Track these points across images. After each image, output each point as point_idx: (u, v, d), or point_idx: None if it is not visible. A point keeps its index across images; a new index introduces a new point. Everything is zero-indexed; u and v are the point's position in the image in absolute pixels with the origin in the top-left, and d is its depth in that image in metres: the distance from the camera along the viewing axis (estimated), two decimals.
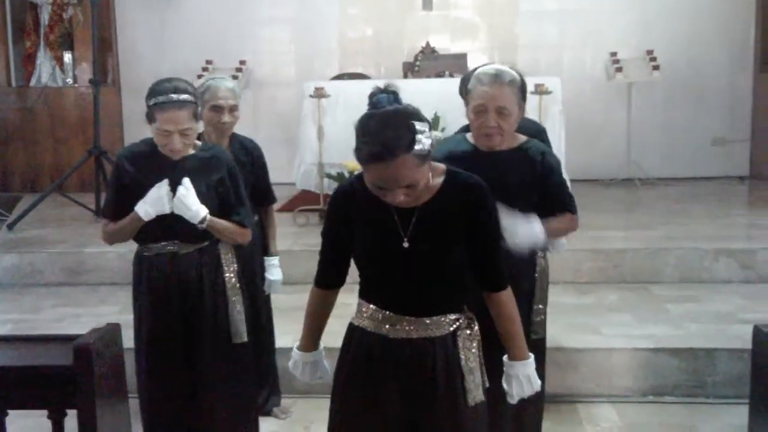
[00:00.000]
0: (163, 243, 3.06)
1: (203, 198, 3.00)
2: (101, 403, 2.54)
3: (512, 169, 2.84)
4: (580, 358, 4.15)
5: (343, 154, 6.28)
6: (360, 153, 2.09)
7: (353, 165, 6.19)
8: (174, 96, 2.94)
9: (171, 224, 3.00)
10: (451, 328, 2.24)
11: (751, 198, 7.94)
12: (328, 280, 2.38)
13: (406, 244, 2.18)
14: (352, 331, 2.32)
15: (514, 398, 2.34)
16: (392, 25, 8.83)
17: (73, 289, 5.48)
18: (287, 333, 3.87)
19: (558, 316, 4.53)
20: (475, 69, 2.95)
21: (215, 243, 3.12)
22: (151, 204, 2.95)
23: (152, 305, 3.08)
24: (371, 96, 2.13)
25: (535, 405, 3.05)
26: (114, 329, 2.80)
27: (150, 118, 2.97)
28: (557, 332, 4.30)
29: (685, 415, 3.92)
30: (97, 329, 2.71)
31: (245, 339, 3.20)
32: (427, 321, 2.22)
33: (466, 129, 3.11)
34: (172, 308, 3.05)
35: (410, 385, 2.22)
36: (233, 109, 3.65)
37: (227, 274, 3.14)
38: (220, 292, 3.12)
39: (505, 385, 2.34)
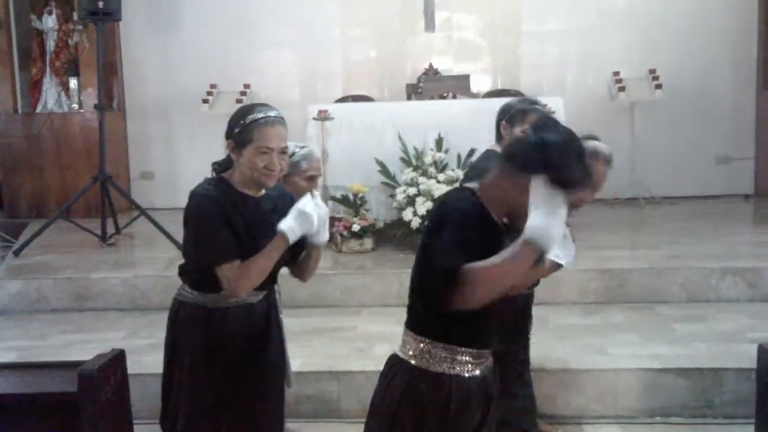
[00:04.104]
0: (243, 294, 2.80)
1: None
2: (106, 429, 2.54)
3: None
4: (586, 379, 4.13)
5: (347, 177, 6.35)
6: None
7: (358, 187, 6.21)
8: (274, 112, 2.75)
9: None
10: None
11: (756, 216, 7.93)
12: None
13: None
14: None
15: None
16: (395, 47, 8.89)
17: (80, 315, 5.48)
18: (294, 357, 3.85)
19: (564, 337, 4.53)
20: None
21: (273, 285, 3.01)
22: (303, 222, 2.63)
23: (225, 360, 2.81)
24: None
25: None
26: (119, 355, 2.81)
27: (243, 140, 2.69)
28: (563, 352, 4.30)
29: None
30: (102, 355, 2.71)
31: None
32: None
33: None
34: (242, 358, 2.85)
35: None
36: None
37: (281, 315, 3.05)
38: (278, 336, 3.01)
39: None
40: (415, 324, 2.22)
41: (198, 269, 2.74)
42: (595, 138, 3.14)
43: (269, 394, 2.94)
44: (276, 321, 2.98)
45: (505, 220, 2.21)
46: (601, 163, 3.04)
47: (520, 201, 2.08)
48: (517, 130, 3.30)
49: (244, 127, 2.68)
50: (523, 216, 2.11)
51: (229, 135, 2.73)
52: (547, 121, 2.11)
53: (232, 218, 2.68)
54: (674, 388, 4.06)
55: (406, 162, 6.16)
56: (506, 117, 3.47)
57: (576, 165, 2.07)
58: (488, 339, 2.25)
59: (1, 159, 8.64)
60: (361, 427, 2.31)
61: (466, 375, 2.18)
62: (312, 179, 3.35)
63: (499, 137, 3.51)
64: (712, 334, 4.61)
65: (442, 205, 2.20)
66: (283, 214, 2.74)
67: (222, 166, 2.84)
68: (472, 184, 2.20)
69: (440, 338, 2.17)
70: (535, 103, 3.52)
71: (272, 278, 2.95)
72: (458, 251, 2.04)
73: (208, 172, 2.93)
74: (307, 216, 2.64)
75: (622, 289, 5.31)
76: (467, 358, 2.18)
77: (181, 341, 2.85)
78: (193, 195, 2.72)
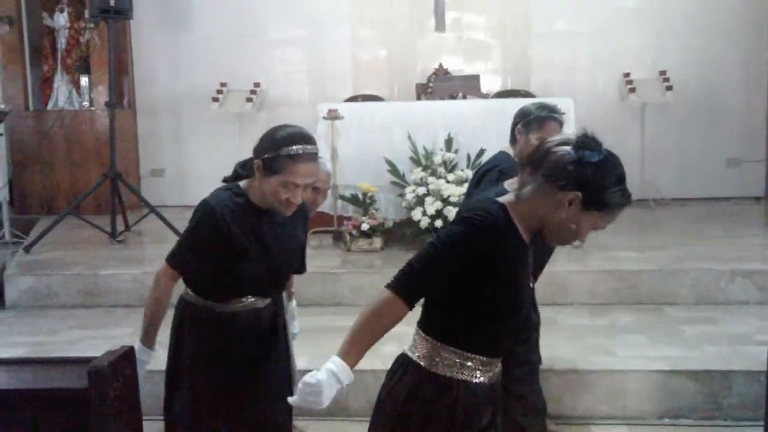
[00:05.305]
0: (251, 299, 2.88)
1: (296, 246, 2.94)
2: (116, 426, 2.54)
3: None
4: (594, 380, 4.12)
5: (357, 176, 6.36)
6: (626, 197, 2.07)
7: (367, 186, 6.22)
8: (311, 148, 2.67)
9: (272, 280, 2.89)
10: None
11: (767, 218, 7.90)
12: (416, 299, 2.18)
13: (531, 285, 2.26)
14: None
15: None
16: (405, 47, 8.88)
17: (89, 311, 5.51)
18: (301, 355, 3.86)
19: (572, 338, 4.53)
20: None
21: (280, 291, 3.05)
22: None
23: (231, 362, 2.86)
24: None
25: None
26: (129, 351, 2.80)
27: (272, 169, 2.64)
28: (571, 353, 4.29)
29: None
30: (112, 351, 2.70)
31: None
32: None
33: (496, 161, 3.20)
34: (247, 361, 2.90)
35: None
36: None
37: (287, 317, 3.11)
38: (284, 339, 3.05)
39: None
40: (429, 325, 2.19)
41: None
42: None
43: (274, 397, 2.95)
44: (282, 324, 3.02)
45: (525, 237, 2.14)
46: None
47: (552, 218, 2.06)
48: (533, 137, 3.27)
49: (277, 158, 2.63)
50: (555, 233, 2.10)
51: (258, 154, 2.69)
52: (588, 140, 2.04)
53: (240, 235, 2.72)
54: (683, 390, 4.04)
55: (416, 162, 6.17)
56: (523, 121, 3.42)
57: (613, 187, 2.03)
58: (501, 348, 2.23)
59: (12, 156, 8.66)
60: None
61: (474, 381, 2.16)
62: (316, 190, 3.28)
63: (513, 139, 3.49)
64: (722, 336, 4.59)
65: (461, 219, 2.17)
66: (294, 224, 2.85)
67: (245, 170, 2.84)
68: (504, 199, 2.15)
69: (453, 342, 2.15)
70: (555, 111, 3.46)
71: (280, 286, 2.97)
72: (427, 271, 2.17)
73: (217, 171, 2.93)
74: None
75: (631, 290, 5.30)
76: (477, 365, 2.16)
77: (188, 342, 2.90)
78: (203, 204, 2.76)
